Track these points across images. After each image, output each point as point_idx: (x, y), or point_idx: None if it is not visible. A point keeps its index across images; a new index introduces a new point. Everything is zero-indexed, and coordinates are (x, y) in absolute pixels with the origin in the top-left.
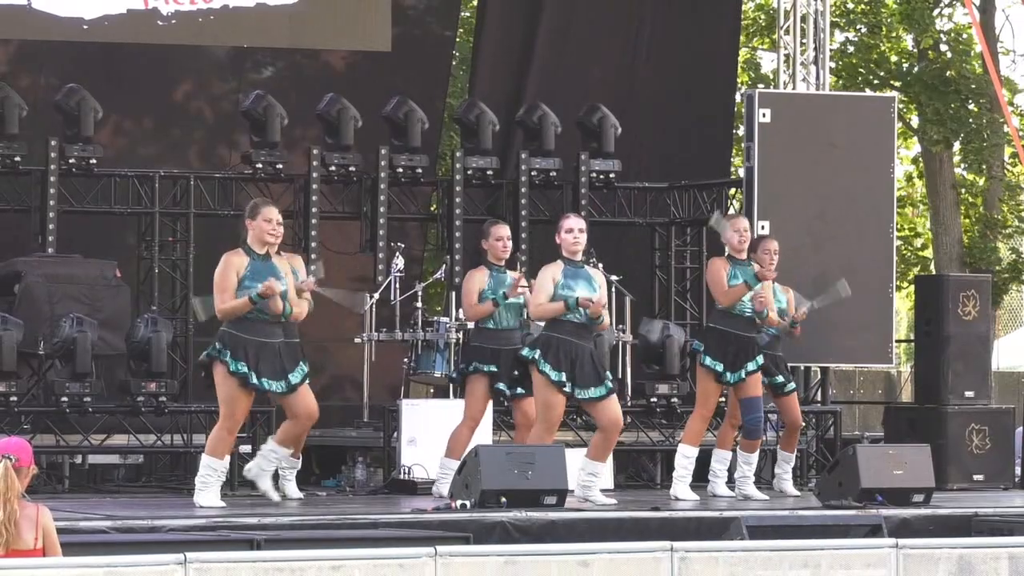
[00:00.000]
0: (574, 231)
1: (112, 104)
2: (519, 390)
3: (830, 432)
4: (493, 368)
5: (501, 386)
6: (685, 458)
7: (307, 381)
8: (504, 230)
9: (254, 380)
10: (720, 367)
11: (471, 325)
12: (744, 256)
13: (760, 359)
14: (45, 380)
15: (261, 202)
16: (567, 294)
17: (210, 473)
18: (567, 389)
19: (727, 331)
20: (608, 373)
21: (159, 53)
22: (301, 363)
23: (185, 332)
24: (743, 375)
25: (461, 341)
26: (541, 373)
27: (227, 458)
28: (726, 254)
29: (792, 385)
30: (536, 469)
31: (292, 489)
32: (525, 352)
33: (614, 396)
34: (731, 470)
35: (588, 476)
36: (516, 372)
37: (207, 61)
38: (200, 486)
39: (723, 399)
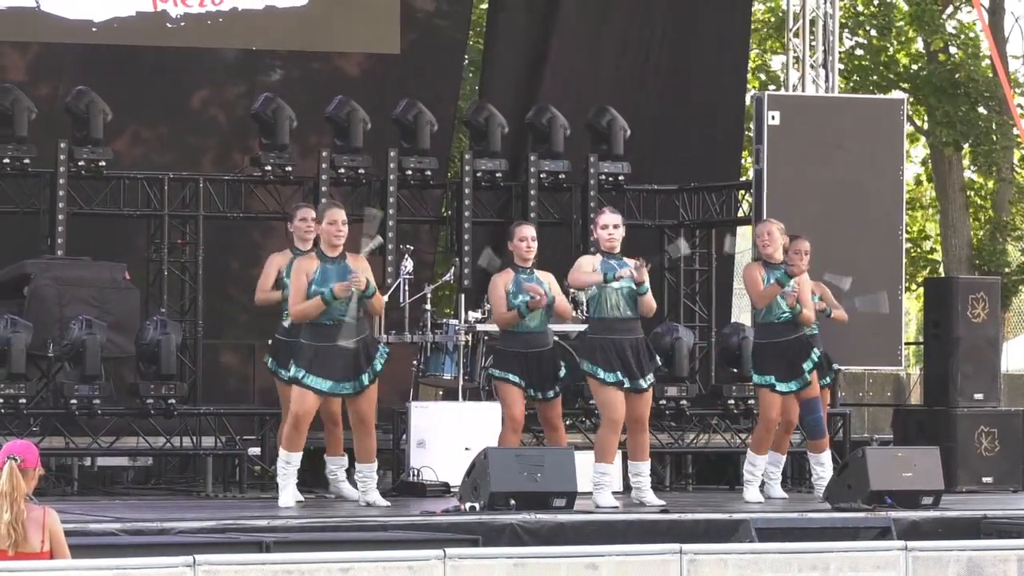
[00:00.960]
0: (608, 227)
1: (122, 107)
2: (551, 393)
3: (839, 434)
4: (516, 378)
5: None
6: (752, 465)
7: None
8: (527, 230)
9: (313, 384)
10: (771, 379)
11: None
12: (776, 261)
13: (816, 355)
14: (54, 382)
15: (325, 205)
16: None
17: (282, 467)
18: (626, 385)
19: (771, 342)
20: (652, 362)
21: (169, 56)
22: (373, 364)
23: (194, 334)
24: (801, 382)
25: (471, 343)
26: (595, 379)
27: (296, 453)
28: (760, 259)
29: (825, 380)
30: (545, 471)
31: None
32: (579, 364)
33: (647, 394)
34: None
35: (635, 478)
36: (560, 374)
37: (217, 64)
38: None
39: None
